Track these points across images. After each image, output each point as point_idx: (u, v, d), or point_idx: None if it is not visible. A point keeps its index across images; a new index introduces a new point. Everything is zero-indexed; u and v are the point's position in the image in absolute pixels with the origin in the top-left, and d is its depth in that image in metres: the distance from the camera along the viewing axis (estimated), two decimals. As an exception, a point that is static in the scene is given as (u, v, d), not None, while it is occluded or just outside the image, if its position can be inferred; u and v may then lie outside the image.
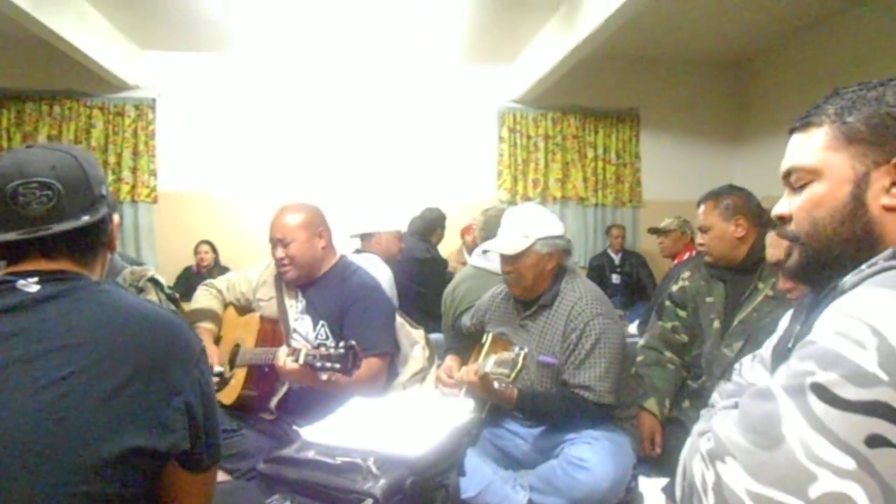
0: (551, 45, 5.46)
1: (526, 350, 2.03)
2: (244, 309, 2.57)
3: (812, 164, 0.91)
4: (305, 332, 2.38)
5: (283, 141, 6.42)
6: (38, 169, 1.09)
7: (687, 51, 6.47)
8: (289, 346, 2.22)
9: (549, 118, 6.73)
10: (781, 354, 0.95)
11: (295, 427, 1.44)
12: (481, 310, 2.53)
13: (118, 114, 6.24)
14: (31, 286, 1.05)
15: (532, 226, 2.25)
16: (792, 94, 6.04)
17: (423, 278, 4.20)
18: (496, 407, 2.25)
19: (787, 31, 5.89)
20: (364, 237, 3.91)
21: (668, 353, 2.57)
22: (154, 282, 2.37)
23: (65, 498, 0.94)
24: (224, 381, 2.37)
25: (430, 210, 4.96)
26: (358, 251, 3.78)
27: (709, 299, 2.46)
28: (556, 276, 2.27)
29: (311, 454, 1.32)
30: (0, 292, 1.04)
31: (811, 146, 0.92)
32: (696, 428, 0.93)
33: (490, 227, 3.32)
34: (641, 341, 2.67)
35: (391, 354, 2.43)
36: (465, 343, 2.63)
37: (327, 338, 2.29)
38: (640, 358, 2.59)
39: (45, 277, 1.07)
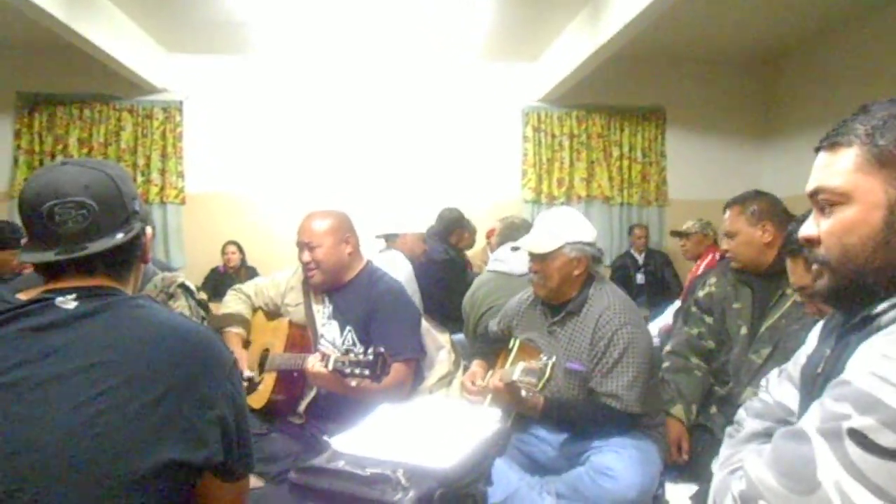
0: (576, 44, 5.42)
1: (554, 359, 2.02)
2: (273, 314, 2.61)
3: (842, 186, 0.87)
4: (332, 337, 2.41)
5: (307, 142, 6.46)
6: (73, 188, 1.11)
7: (713, 48, 6.36)
8: (317, 351, 2.24)
9: (573, 117, 6.67)
10: (810, 379, 0.93)
11: (325, 437, 1.46)
12: (508, 315, 2.52)
13: (147, 116, 6.32)
14: (69, 303, 1.08)
15: (563, 228, 2.24)
16: (821, 93, 5.92)
17: (441, 279, 4.18)
18: (522, 414, 2.25)
19: (815, 29, 5.78)
20: (389, 237, 3.94)
21: (694, 360, 2.55)
22: (184, 288, 2.42)
23: (102, 511, 0.97)
24: (253, 386, 2.41)
25: (449, 210, 4.88)
26: (382, 251, 3.81)
27: (736, 305, 2.43)
28: (585, 282, 2.26)
29: (341, 464, 1.33)
30: (39, 310, 1.07)
31: (840, 167, 0.88)
32: (723, 453, 0.92)
33: (506, 234, 3.34)
34: (667, 347, 2.65)
35: (417, 360, 2.44)
36: (490, 347, 2.63)
37: (354, 343, 2.31)
38: (666, 364, 2.56)
39: (82, 294, 1.10)
